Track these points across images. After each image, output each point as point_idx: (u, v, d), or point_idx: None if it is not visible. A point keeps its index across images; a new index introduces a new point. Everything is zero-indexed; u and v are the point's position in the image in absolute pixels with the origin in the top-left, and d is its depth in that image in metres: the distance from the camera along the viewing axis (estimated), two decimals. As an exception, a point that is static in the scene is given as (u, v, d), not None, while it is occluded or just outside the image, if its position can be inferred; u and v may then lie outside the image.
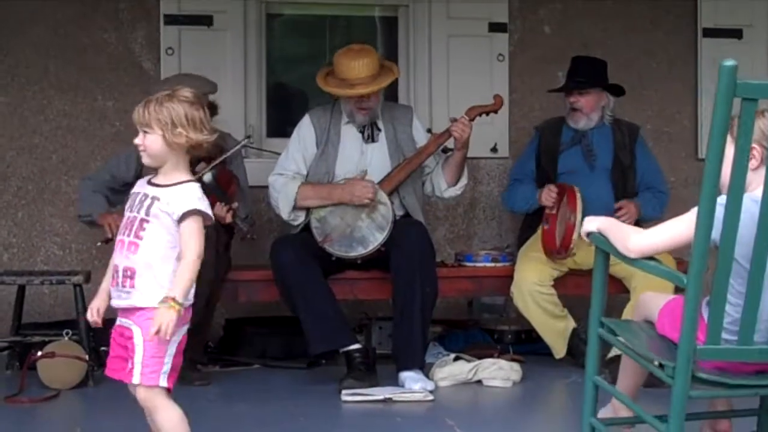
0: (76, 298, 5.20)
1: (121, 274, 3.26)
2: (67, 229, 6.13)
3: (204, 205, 3.26)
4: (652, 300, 3.45)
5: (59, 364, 5.00)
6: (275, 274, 5.18)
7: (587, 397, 3.48)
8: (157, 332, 3.14)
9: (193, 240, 3.23)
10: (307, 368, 5.57)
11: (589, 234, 3.44)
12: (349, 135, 5.45)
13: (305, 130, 5.46)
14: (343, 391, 4.83)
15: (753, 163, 3.03)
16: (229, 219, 5.18)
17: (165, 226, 3.24)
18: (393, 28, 6.67)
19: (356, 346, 5.10)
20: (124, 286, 3.26)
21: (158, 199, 3.25)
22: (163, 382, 3.22)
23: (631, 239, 3.21)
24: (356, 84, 5.29)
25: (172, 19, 6.19)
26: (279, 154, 5.60)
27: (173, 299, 3.16)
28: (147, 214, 3.25)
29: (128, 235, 3.26)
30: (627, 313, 5.18)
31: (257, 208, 6.05)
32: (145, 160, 3.31)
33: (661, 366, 3.08)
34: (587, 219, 3.49)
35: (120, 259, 3.27)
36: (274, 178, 5.40)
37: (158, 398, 3.25)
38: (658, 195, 5.70)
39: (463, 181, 5.56)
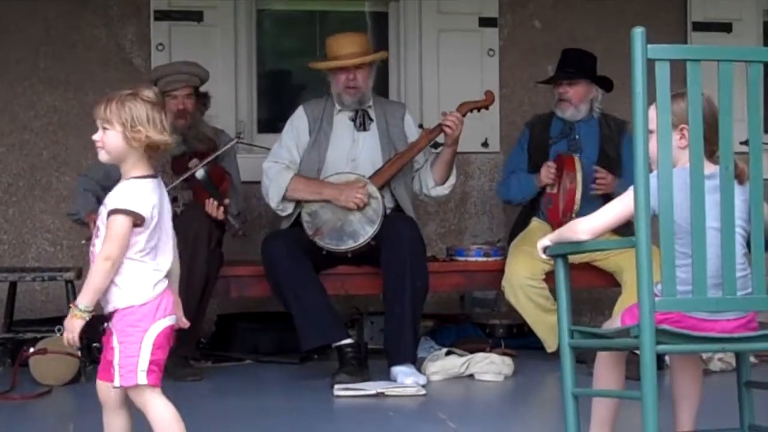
0: (68, 295, 5.20)
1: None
2: (58, 225, 6.13)
3: (141, 202, 3.18)
4: (613, 320, 3.54)
5: (51, 360, 5.00)
6: (266, 270, 5.18)
7: (568, 412, 3.42)
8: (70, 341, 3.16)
9: (108, 239, 3.16)
10: (299, 363, 5.58)
11: (545, 249, 3.50)
12: (341, 124, 5.47)
13: (298, 119, 5.49)
14: (336, 386, 4.84)
15: (683, 142, 3.21)
16: (220, 216, 5.18)
17: None
18: (383, 23, 6.68)
19: (348, 341, 5.10)
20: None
21: (105, 204, 3.24)
22: (142, 380, 3.20)
23: (580, 224, 3.38)
24: (343, 58, 5.35)
25: (162, 15, 6.19)
26: (269, 149, 5.60)
27: (73, 305, 3.16)
28: (101, 220, 3.24)
29: (93, 245, 3.26)
30: (618, 307, 5.21)
31: (249, 204, 6.05)
32: (102, 157, 3.27)
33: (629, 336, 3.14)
34: (538, 242, 3.54)
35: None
36: (268, 165, 5.40)
37: (144, 396, 3.22)
38: None
39: (452, 180, 5.56)
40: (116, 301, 3.20)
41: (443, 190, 5.57)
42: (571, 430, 3.44)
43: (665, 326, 3.12)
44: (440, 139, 5.50)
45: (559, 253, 3.46)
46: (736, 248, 3.16)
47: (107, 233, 3.17)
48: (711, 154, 3.17)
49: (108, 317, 3.26)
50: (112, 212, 3.17)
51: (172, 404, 3.28)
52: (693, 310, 3.19)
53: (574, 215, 5.27)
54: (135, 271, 3.20)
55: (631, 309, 3.29)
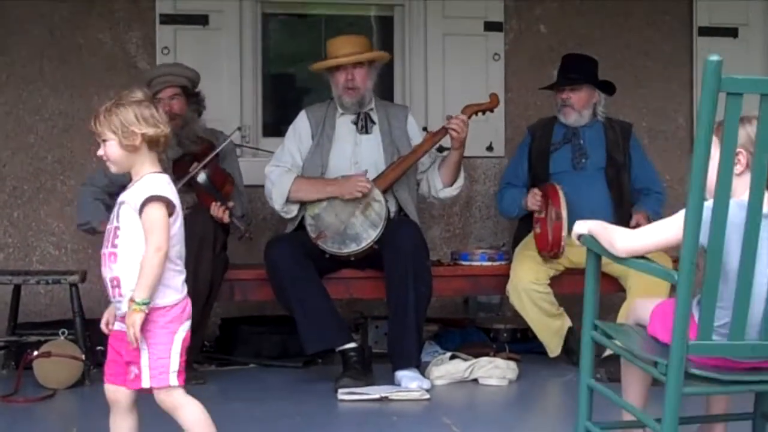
0: (72, 298, 5.19)
1: (109, 285, 3.26)
2: (62, 228, 6.13)
3: (167, 191, 3.23)
4: (644, 304, 3.45)
5: (55, 363, 5.00)
6: (270, 274, 5.18)
7: (582, 400, 3.45)
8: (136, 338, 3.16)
9: (152, 229, 3.18)
10: (302, 367, 5.57)
11: (580, 237, 3.45)
12: (344, 127, 5.47)
13: (301, 123, 5.50)
14: (339, 390, 4.83)
15: (738, 168, 3.05)
16: (226, 219, 5.18)
17: (136, 227, 3.21)
18: (389, 27, 6.67)
19: (352, 345, 5.10)
20: (114, 297, 3.27)
21: (125, 202, 3.25)
22: (174, 381, 3.22)
23: (620, 239, 3.25)
24: (342, 57, 5.37)
25: (167, 19, 6.19)
26: (274, 153, 5.60)
27: (132, 301, 3.16)
28: (118, 221, 3.25)
29: (107, 247, 3.26)
30: (623, 313, 5.20)
31: (253, 207, 6.05)
32: (112, 169, 3.33)
33: (655, 365, 3.08)
34: (578, 222, 3.48)
35: (105, 271, 3.27)
36: (270, 169, 5.41)
37: (175, 397, 3.25)
38: (655, 196, 5.70)
39: (460, 181, 5.56)
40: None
41: (452, 191, 5.57)
42: (581, 419, 3.45)
43: (695, 371, 3.05)
44: (445, 142, 5.49)
45: (593, 250, 3.41)
46: None
47: (147, 222, 3.18)
48: None
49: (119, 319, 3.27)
50: (148, 201, 3.19)
51: (199, 403, 3.29)
52: (729, 355, 3.10)
53: (562, 249, 5.29)
54: (166, 271, 3.21)
55: (665, 310, 3.22)
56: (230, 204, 5.25)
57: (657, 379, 3.10)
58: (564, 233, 5.24)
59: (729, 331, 3.05)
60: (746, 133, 3.06)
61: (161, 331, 3.21)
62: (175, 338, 3.22)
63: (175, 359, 3.22)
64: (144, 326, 3.19)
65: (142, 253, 3.19)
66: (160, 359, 3.21)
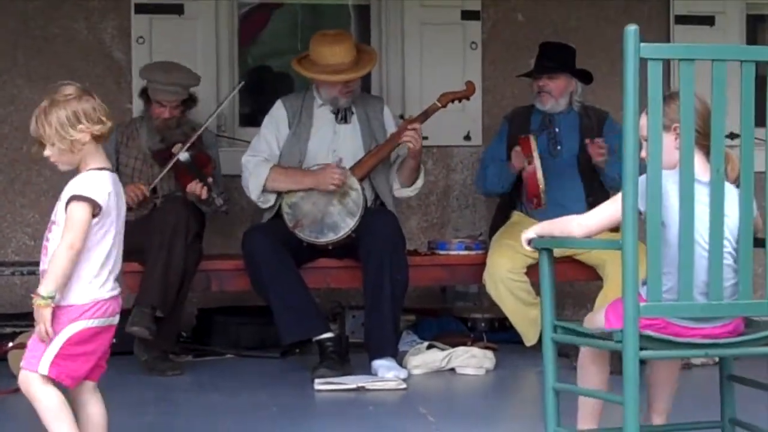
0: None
1: (42, 275, 3.24)
2: (38, 219, 6.09)
3: (97, 191, 3.17)
4: (597, 312, 3.51)
5: (30, 355, 4.97)
6: (246, 264, 5.17)
7: (548, 406, 3.42)
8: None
9: (70, 227, 3.14)
10: (280, 357, 5.57)
11: (530, 242, 3.48)
12: (322, 117, 5.46)
13: (277, 112, 5.48)
14: (316, 380, 4.83)
15: (679, 142, 3.16)
16: (204, 194, 5.17)
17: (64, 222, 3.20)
18: (366, 16, 6.64)
19: (328, 335, 5.09)
20: None
21: (60, 198, 3.23)
22: (43, 370, 3.18)
23: (574, 224, 3.37)
24: (341, 70, 5.32)
25: (142, 8, 6.15)
26: (251, 141, 5.58)
27: (35, 295, 3.14)
28: (56, 215, 3.23)
29: (47, 239, 3.25)
30: (600, 301, 5.22)
31: (231, 197, 6.02)
32: (63, 169, 3.28)
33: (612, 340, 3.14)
34: (525, 231, 3.51)
35: (42, 262, 3.26)
36: (246, 159, 5.39)
37: (33, 384, 3.21)
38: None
39: (419, 183, 5.57)
40: (62, 298, 3.19)
41: (409, 192, 5.60)
42: (550, 424, 3.43)
43: (649, 332, 3.11)
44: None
45: (545, 246, 3.44)
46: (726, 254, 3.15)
47: (67, 223, 3.16)
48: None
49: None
50: (72, 199, 3.16)
51: (60, 396, 3.25)
52: (678, 315, 3.16)
53: (542, 194, 5.32)
54: (80, 270, 3.19)
55: (616, 305, 3.28)
56: (209, 180, 5.24)
57: (613, 350, 3.16)
58: (539, 175, 5.32)
59: (677, 294, 3.11)
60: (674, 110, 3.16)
61: (57, 319, 3.17)
62: (62, 332, 3.17)
63: (52, 350, 3.17)
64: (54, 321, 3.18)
65: None
66: (39, 343, 3.18)
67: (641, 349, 3.06)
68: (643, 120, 3.10)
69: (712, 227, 3.12)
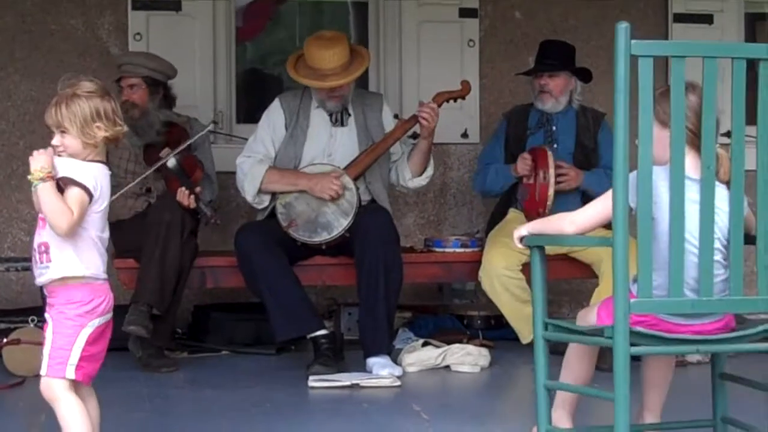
0: (43, 286, 5.15)
1: (36, 251, 3.27)
2: (34, 215, 5.97)
3: (86, 180, 3.18)
4: (589, 310, 3.51)
5: (24, 351, 4.97)
6: (240, 261, 5.16)
7: (540, 404, 3.42)
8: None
9: (72, 204, 3.17)
10: (275, 354, 5.57)
11: (522, 240, 3.48)
12: (319, 119, 5.44)
13: (274, 113, 5.45)
14: (310, 378, 4.82)
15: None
16: (191, 204, 5.16)
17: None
18: (364, 13, 6.64)
19: (323, 332, 5.09)
20: (42, 262, 3.26)
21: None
22: (70, 374, 3.19)
23: (567, 221, 3.38)
24: (329, 75, 5.27)
25: (140, 4, 6.15)
26: (248, 140, 5.57)
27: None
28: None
29: (41, 211, 3.26)
30: (595, 298, 5.21)
31: (226, 194, 6.03)
32: (62, 156, 3.26)
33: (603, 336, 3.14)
34: (516, 229, 3.53)
35: (36, 237, 3.28)
36: (241, 160, 5.38)
37: (58, 390, 3.21)
38: (610, 173, 5.69)
39: (429, 171, 5.54)
40: (64, 270, 3.22)
41: (420, 181, 5.55)
42: (542, 423, 3.43)
43: (639, 329, 3.11)
44: (418, 129, 5.48)
45: (537, 244, 3.44)
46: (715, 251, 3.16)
47: (69, 200, 3.17)
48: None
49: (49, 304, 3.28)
50: (71, 183, 3.17)
51: (82, 404, 3.25)
52: (668, 311, 3.17)
53: (547, 211, 5.30)
54: (82, 241, 3.23)
55: (607, 303, 3.28)
56: (197, 189, 5.23)
57: (604, 346, 3.16)
58: (551, 192, 5.32)
59: (667, 290, 3.11)
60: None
61: (68, 322, 3.20)
62: (81, 333, 3.20)
63: (75, 353, 3.19)
64: (54, 313, 3.21)
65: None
66: (60, 350, 3.19)
67: (632, 345, 3.07)
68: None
69: (702, 224, 3.13)
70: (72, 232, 3.18)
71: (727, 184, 3.20)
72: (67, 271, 3.22)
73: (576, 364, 3.49)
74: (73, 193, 3.17)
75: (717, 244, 3.18)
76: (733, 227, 3.18)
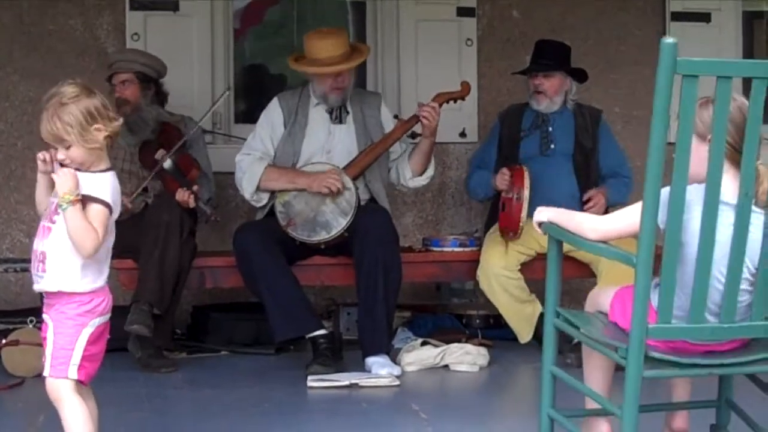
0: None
1: (35, 258, 3.25)
2: (33, 216, 6.03)
3: (104, 194, 3.18)
4: (605, 291, 3.44)
5: (23, 351, 4.98)
6: (238, 261, 5.16)
7: (545, 387, 3.43)
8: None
9: (97, 225, 3.17)
10: (274, 354, 5.56)
11: (540, 224, 3.44)
12: (317, 116, 5.45)
13: (273, 110, 5.47)
14: (309, 377, 4.83)
15: None
16: (192, 203, 5.16)
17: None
18: (362, 13, 6.64)
19: (321, 331, 5.09)
20: (36, 271, 3.25)
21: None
22: (73, 374, 3.19)
23: (588, 224, 3.27)
24: (330, 63, 5.29)
25: (137, 5, 6.14)
26: (246, 139, 5.58)
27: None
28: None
29: (46, 220, 3.24)
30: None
31: (224, 194, 6.03)
32: (71, 167, 3.22)
33: (616, 350, 3.08)
34: (538, 210, 3.47)
35: (37, 243, 3.26)
36: (240, 158, 5.39)
37: (64, 391, 3.21)
38: (622, 180, 5.71)
39: (430, 171, 5.55)
40: (60, 283, 3.21)
41: (421, 181, 5.56)
42: (545, 405, 3.44)
43: (654, 354, 3.06)
44: (418, 128, 5.48)
45: (556, 237, 3.40)
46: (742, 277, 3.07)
47: (94, 222, 3.16)
48: None
49: (48, 305, 3.27)
50: (93, 200, 3.16)
51: (86, 405, 3.25)
52: (687, 338, 3.11)
53: (519, 233, 5.33)
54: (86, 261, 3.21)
55: (624, 297, 3.22)
56: (194, 188, 5.23)
57: (619, 364, 3.10)
58: (523, 214, 5.29)
59: (689, 314, 3.05)
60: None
61: (69, 322, 3.20)
62: (82, 332, 3.20)
63: (77, 353, 3.19)
64: (53, 313, 3.21)
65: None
66: (62, 350, 3.18)
67: (645, 368, 3.01)
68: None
69: (732, 253, 3.01)
70: (96, 252, 3.17)
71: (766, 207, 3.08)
72: (62, 286, 3.21)
73: (593, 365, 3.45)
74: (96, 212, 3.17)
75: (745, 273, 3.08)
76: (763, 255, 3.08)
